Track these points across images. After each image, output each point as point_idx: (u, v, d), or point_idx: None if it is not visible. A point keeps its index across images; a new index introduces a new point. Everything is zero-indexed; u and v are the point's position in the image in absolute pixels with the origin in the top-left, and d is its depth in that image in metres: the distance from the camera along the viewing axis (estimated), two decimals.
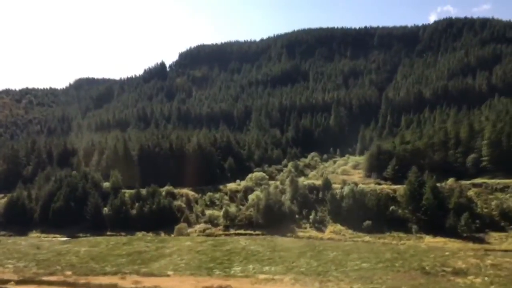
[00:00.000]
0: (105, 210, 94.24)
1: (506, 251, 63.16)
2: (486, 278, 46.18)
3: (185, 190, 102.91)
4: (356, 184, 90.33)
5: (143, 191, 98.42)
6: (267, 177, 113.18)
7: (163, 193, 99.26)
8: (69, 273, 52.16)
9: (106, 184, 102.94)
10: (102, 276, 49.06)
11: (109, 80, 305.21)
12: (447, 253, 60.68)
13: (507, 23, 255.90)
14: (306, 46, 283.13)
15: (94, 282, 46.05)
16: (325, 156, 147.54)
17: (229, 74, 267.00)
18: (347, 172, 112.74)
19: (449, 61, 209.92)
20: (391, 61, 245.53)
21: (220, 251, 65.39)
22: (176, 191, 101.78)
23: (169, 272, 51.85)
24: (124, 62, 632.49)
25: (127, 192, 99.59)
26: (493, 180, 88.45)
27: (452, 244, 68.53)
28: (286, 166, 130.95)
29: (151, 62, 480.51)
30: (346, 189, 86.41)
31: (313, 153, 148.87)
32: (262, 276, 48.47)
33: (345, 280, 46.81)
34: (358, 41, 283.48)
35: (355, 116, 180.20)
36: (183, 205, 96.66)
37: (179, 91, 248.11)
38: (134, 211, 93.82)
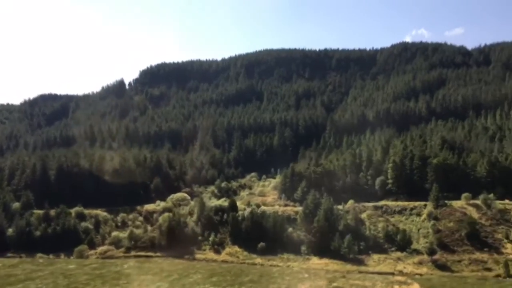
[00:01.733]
0: (9, 231, 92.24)
1: (373, 273, 64.23)
2: None
3: (97, 211, 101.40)
4: (258, 206, 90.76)
5: (52, 212, 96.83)
6: (188, 197, 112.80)
7: (73, 213, 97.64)
8: None
9: (16, 205, 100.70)
10: None
11: (67, 97, 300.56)
12: (306, 275, 61.21)
13: (458, 49, 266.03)
14: (266, 66, 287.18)
15: None
16: (264, 176, 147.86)
17: (186, 93, 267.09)
18: (265, 193, 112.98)
19: (396, 84, 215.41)
20: (346, 83, 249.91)
21: (91, 274, 64.64)
22: (87, 211, 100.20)
23: None
24: (92, 79, 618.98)
25: (36, 213, 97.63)
26: (393, 203, 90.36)
27: (332, 265, 69.48)
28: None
29: (114, 79, 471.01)
30: (247, 211, 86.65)
31: (252, 173, 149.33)
32: None
33: None
34: (317, 63, 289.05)
35: (300, 137, 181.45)
36: (90, 227, 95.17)
37: (134, 109, 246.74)
38: (38, 232, 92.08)
